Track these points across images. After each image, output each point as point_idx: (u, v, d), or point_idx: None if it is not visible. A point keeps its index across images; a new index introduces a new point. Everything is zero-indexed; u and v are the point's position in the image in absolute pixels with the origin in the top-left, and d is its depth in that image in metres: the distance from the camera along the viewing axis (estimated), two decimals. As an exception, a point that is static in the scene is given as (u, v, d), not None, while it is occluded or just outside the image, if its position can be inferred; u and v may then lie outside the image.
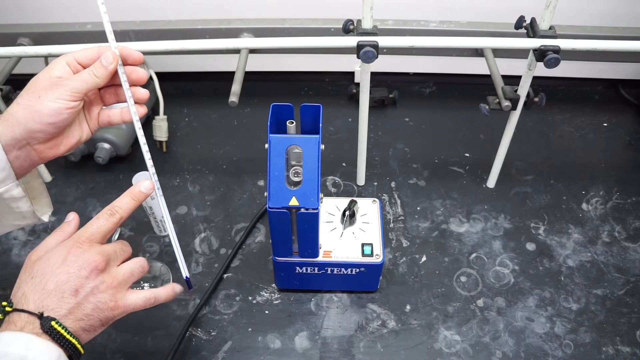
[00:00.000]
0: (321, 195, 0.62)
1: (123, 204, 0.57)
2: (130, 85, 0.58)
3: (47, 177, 0.94)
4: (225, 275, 0.80)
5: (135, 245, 0.83)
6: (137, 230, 0.85)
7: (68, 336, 0.49)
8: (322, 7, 0.95)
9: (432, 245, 0.83)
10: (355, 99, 1.07)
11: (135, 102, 0.59)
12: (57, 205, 0.89)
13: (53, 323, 0.48)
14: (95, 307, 0.52)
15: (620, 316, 0.75)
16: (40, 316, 0.48)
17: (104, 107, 0.61)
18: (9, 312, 0.49)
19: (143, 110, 0.60)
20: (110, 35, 0.57)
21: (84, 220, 0.86)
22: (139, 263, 0.57)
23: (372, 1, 0.68)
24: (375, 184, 0.93)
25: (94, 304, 0.52)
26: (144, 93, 0.59)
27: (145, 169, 0.61)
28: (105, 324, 0.53)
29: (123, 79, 0.57)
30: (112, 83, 0.59)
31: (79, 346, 0.50)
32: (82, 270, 0.51)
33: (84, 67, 0.56)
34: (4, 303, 0.50)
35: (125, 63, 0.58)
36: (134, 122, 0.59)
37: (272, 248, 0.69)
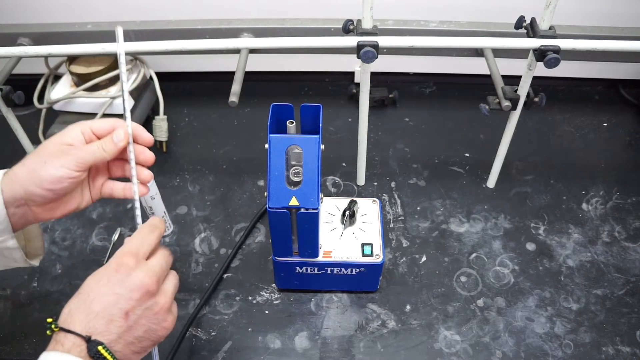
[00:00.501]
0: (321, 195, 0.62)
1: (153, 220, 0.56)
2: (136, 164, 0.58)
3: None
4: (225, 275, 0.80)
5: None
6: (137, 230, 0.85)
7: (110, 358, 0.47)
8: (322, 7, 0.95)
9: (432, 245, 0.83)
10: (355, 99, 1.07)
11: (139, 182, 0.58)
12: (57, 205, 0.89)
13: (100, 348, 0.46)
14: (148, 329, 0.50)
15: (620, 316, 0.75)
16: (87, 340, 0.46)
17: (109, 179, 0.61)
18: (54, 330, 0.48)
19: (144, 190, 0.59)
20: (127, 114, 0.57)
21: (84, 219, 0.87)
22: (176, 275, 0.56)
23: (372, 1, 0.68)
24: (375, 184, 0.93)
25: (147, 326, 0.50)
26: (147, 175, 0.58)
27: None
28: (157, 342, 0.52)
29: (131, 156, 0.57)
30: (122, 157, 0.58)
31: None
32: (132, 293, 0.49)
33: (98, 138, 0.56)
34: (50, 320, 0.48)
35: (135, 141, 0.57)
36: (134, 200, 0.58)
37: (272, 248, 0.69)
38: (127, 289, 0.49)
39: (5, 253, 0.56)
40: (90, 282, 0.50)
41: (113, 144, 0.55)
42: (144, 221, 0.57)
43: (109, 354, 0.47)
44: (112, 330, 0.48)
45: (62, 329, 0.47)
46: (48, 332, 0.48)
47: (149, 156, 0.58)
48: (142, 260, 0.51)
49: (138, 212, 0.58)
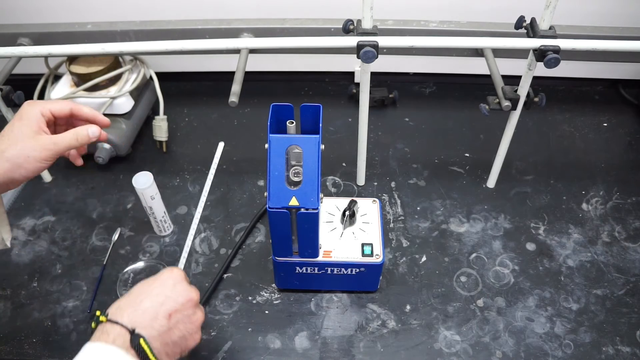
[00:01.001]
0: (321, 195, 0.62)
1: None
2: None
3: (48, 177, 0.94)
4: (225, 275, 0.80)
5: (135, 245, 0.83)
6: (138, 230, 0.85)
7: (151, 356, 0.51)
8: (322, 7, 0.95)
9: (432, 245, 0.83)
10: (355, 99, 1.07)
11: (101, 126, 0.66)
12: (58, 205, 0.89)
13: (141, 340, 0.50)
14: (182, 336, 0.55)
15: (620, 316, 0.75)
16: (132, 332, 0.51)
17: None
18: (102, 322, 0.52)
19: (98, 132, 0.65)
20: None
21: (84, 219, 0.87)
22: (200, 316, 0.60)
23: (372, 1, 0.68)
24: (375, 184, 0.93)
25: (182, 333, 0.55)
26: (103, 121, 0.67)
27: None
28: (182, 353, 0.56)
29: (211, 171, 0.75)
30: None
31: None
32: (180, 298, 0.55)
33: (55, 118, 0.63)
34: (98, 313, 0.52)
35: (94, 122, 0.66)
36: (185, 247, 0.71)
37: (272, 248, 0.69)
38: (176, 293, 0.55)
39: None
40: (142, 286, 0.56)
41: (87, 138, 0.63)
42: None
43: (148, 347, 0.51)
44: (155, 327, 0.52)
45: (110, 320, 0.51)
46: (93, 324, 0.52)
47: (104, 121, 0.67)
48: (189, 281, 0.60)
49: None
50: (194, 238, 0.85)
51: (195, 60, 1.09)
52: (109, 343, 0.50)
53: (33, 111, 0.61)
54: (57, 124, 0.66)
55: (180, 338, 0.55)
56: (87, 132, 0.63)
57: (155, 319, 0.53)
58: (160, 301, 0.54)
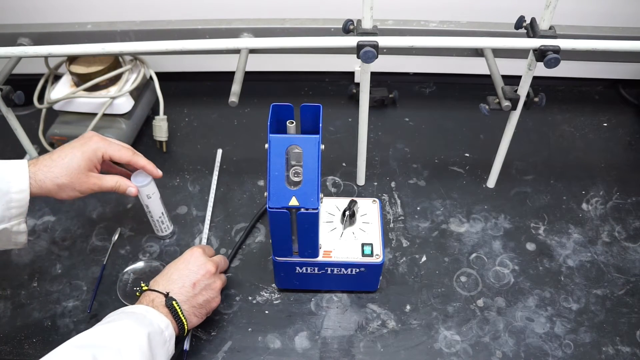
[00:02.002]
0: (321, 195, 0.62)
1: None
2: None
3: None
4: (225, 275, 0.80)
5: (135, 245, 0.83)
6: (137, 230, 0.85)
7: (181, 315, 0.65)
8: (322, 7, 0.95)
9: (432, 245, 0.83)
10: (355, 99, 1.07)
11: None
12: (58, 205, 0.89)
13: (174, 302, 0.65)
14: (205, 299, 0.68)
15: (620, 316, 0.75)
16: (166, 295, 0.65)
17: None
18: (145, 290, 0.67)
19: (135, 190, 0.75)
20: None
21: (84, 219, 0.87)
22: (225, 278, 0.75)
23: (372, 1, 0.68)
24: (375, 184, 0.93)
25: (205, 297, 0.68)
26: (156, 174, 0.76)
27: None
28: (207, 314, 0.70)
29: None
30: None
31: (185, 325, 0.65)
32: (200, 269, 0.69)
33: (111, 161, 0.73)
34: (143, 284, 0.68)
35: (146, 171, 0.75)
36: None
37: (272, 248, 0.69)
38: (195, 266, 0.69)
39: (12, 237, 0.67)
40: (170, 267, 0.70)
41: (123, 192, 0.72)
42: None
43: (179, 307, 0.65)
44: (183, 292, 0.67)
45: (150, 289, 0.67)
46: (138, 293, 0.68)
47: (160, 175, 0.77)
48: (207, 255, 0.73)
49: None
50: (195, 238, 0.85)
51: (195, 60, 1.09)
52: (149, 304, 0.64)
53: (97, 152, 0.69)
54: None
55: (204, 301, 0.68)
56: (125, 189, 0.72)
57: (183, 287, 0.67)
58: (185, 274, 0.68)
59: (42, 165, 0.67)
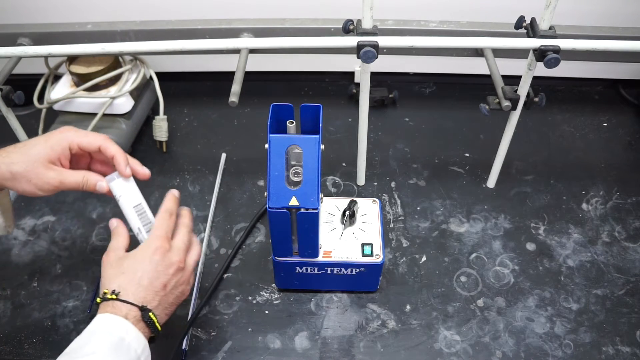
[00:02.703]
0: (321, 195, 0.62)
1: (171, 204, 0.66)
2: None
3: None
4: (225, 275, 0.80)
5: (135, 245, 0.83)
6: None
7: (157, 324, 0.59)
8: (322, 7, 0.95)
9: (432, 245, 0.83)
10: (355, 99, 1.07)
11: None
12: (58, 205, 0.89)
13: (150, 314, 0.59)
14: (176, 297, 0.63)
15: (620, 316, 0.75)
16: (141, 308, 0.58)
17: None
18: (112, 299, 0.58)
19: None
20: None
21: (84, 219, 0.87)
22: (198, 249, 0.67)
23: (372, 1, 0.68)
24: (375, 184, 0.93)
25: (176, 294, 0.63)
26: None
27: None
28: (180, 303, 0.64)
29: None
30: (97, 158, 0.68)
31: (160, 329, 0.60)
32: (168, 269, 0.61)
33: (82, 150, 0.64)
34: (106, 291, 0.59)
35: (134, 176, 0.67)
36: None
37: (272, 248, 0.69)
38: (165, 267, 0.61)
39: None
40: (133, 263, 0.61)
41: (93, 189, 0.64)
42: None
43: (155, 317, 0.59)
44: (155, 298, 0.60)
45: (120, 299, 0.58)
46: (98, 299, 0.59)
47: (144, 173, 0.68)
48: (171, 242, 0.63)
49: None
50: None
51: (195, 60, 1.09)
52: (122, 317, 0.57)
53: (62, 141, 0.62)
54: (83, 155, 0.66)
55: (175, 298, 0.63)
56: (94, 184, 0.64)
57: (155, 293, 0.60)
58: (154, 276, 0.60)
59: (3, 150, 0.62)
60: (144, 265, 0.60)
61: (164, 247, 0.62)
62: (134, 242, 0.65)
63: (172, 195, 0.67)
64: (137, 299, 0.58)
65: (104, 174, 0.65)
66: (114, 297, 0.58)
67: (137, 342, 0.57)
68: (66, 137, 0.62)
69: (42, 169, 0.61)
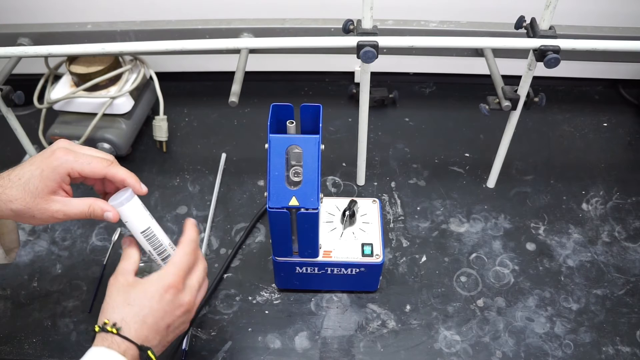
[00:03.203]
0: (321, 195, 0.62)
1: (195, 235, 0.63)
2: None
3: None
4: (225, 275, 0.80)
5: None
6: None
7: None
8: (322, 7, 0.95)
9: (432, 245, 0.83)
10: (355, 99, 1.07)
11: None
12: (57, 205, 0.89)
13: (149, 352, 0.55)
14: (176, 334, 0.60)
15: (620, 316, 0.75)
16: (140, 347, 0.54)
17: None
18: (111, 332, 0.54)
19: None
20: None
21: (84, 220, 0.86)
22: (206, 286, 0.64)
23: (372, 1, 0.68)
24: (375, 184, 0.93)
25: (176, 333, 0.60)
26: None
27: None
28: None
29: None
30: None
31: None
32: (176, 310, 0.58)
33: (83, 177, 0.59)
34: (106, 321, 0.55)
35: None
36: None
37: (272, 248, 0.69)
38: (173, 307, 0.58)
39: None
40: (142, 297, 0.56)
41: (100, 217, 0.59)
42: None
43: (154, 355, 0.55)
44: (157, 338, 0.57)
45: (120, 335, 0.54)
46: (97, 328, 0.55)
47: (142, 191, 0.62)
48: (186, 281, 0.60)
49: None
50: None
51: (195, 60, 1.09)
52: (121, 354, 0.53)
53: (59, 169, 0.57)
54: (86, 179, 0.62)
55: (174, 336, 0.60)
56: (101, 214, 0.59)
57: (157, 332, 0.57)
58: (161, 316, 0.57)
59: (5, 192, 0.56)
60: (153, 303, 0.56)
61: (177, 287, 0.58)
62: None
63: (193, 224, 0.63)
64: (138, 338, 0.55)
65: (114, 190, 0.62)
66: (114, 331, 0.54)
67: None
68: (64, 165, 0.57)
69: (43, 204, 0.56)
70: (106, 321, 0.55)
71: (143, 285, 0.57)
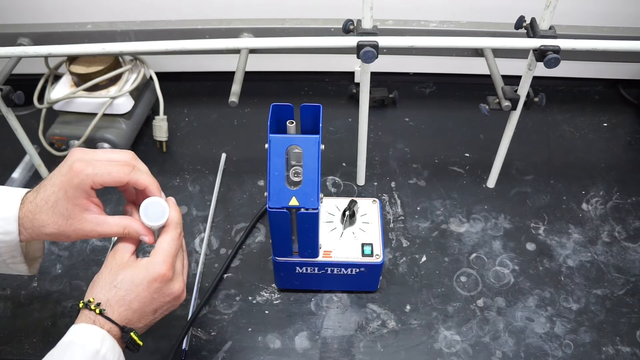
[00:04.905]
0: (321, 195, 0.62)
1: (179, 216, 0.62)
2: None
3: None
4: (225, 275, 0.80)
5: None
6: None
7: (138, 340, 0.56)
8: (322, 7, 0.95)
9: (432, 245, 0.83)
10: (355, 99, 1.07)
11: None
12: (57, 205, 0.89)
13: (132, 334, 0.55)
14: (164, 316, 0.60)
15: (620, 316, 0.75)
16: (122, 328, 0.55)
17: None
18: (95, 311, 0.54)
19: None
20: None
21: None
22: (187, 264, 0.64)
23: (372, 1, 0.68)
24: (375, 184, 0.93)
25: (164, 314, 0.60)
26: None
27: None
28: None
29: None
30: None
31: (141, 344, 0.57)
32: (165, 297, 0.58)
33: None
34: (91, 300, 0.55)
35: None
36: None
37: (272, 248, 0.69)
38: (162, 295, 0.57)
39: (11, 266, 0.60)
40: (128, 282, 0.56)
41: (136, 236, 0.59)
42: None
43: (137, 336, 0.56)
44: (142, 321, 0.57)
45: (103, 315, 0.54)
46: (81, 303, 0.55)
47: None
48: (174, 268, 0.59)
49: None
50: (195, 238, 0.85)
51: (195, 60, 1.09)
52: (99, 327, 0.54)
53: (82, 185, 0.55)
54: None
55: (162, 317, 0.60)
56: (137, 234, 0.59)
57: (142, 316, 0.57)
58: (148, 302, 0.57)
59: (27, 210, 0.55)
60: (140, 290, 0.56)
61: (167, 275, 0.57)
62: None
63: (174, 204, 0.62)
64: (121, 320, 0.55)
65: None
66: (97, 311, 0.54)
67: (112, 355, 0.53)
68: (85, 180, 0.55)
69: (77, 225, 0.56)
70: (91, 299, 0.55)
71: (133, 270, 0.56)
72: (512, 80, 0.79)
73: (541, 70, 0.71)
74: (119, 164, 0.57)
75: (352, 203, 0.74)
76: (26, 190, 0.58)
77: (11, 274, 0.62)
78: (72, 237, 0.57)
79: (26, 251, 0.61)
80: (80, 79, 0.90)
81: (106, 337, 0.53)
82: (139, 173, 0.58)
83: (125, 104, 0.92)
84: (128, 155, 0.59)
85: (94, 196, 0.57)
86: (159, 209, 0.59)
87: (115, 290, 0.55)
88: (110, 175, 0.56)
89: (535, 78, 0.75)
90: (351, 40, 0.69)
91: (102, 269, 0.58)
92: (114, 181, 0.56)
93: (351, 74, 1.11)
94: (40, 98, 0.94)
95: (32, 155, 0.92)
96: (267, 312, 0.75)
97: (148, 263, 0.57)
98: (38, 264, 0.64)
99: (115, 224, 0.58)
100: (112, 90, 0.92)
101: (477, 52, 0.89)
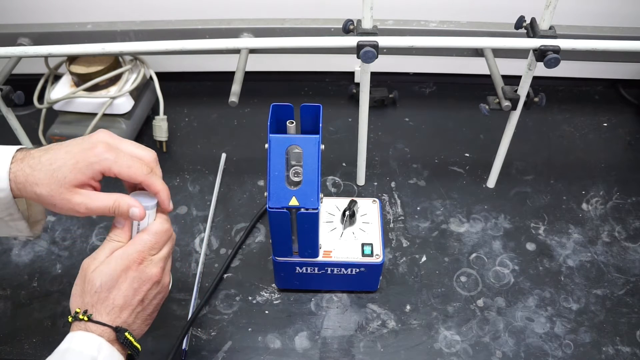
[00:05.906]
0: (321, 195, 0.62)
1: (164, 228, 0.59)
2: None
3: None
4: (225, 275, 0.80)
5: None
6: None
7: (135, 342, 0.55)
8: (322, 7, 0.95)
9: (432, 245, 0.83)
10: (355, 99, 1.07)
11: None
12: (57, 205, 0.89)
13: (126, 334, 0.54)
14: (155, 306, 0.59)
15: (620, 316, 0.75)
16: (115, 329, 0.54)
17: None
18: (84, 320, 0.53)
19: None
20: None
21: (84, 219, 0.86)
22: (172, 245, 0.61)
23: (372, 1, 0.68)
24: (375, 184, 0.93)
25: (155, 304, 0.59)
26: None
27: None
28: (159, 309, 0.60)
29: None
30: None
31: (139, 347, 0.56)
32: (145, 284, 0.56)
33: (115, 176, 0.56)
34: (78, 310, 0.54)
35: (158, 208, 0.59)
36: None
37: (272, 248, 0.69)
38: (141, 282, 0.56)
39: (10, 224, 0.58)
40: (106, 280, 0.54)
41: (126, 216, 0.56)
42: None
43: (132, 336, 0.55)
44: (132, 315, 0.56)
45: (93, 320, 0.53)
46: (70, 318, 0.54)
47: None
48: (149, 256, 0.57)
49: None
50: (195, 238, 0.85)
51: (195, 60, 1.09)
52: (95, 334, 0.53)
53: (95, 165, 0.54)
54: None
55: (154, 308, 0.59)
56: (127, 209, 0.55)
57: (132, 311, 0.56)
58: (130, 294, 0.55)
59: (26, 164, 0.54)
60: (119, 284, 0.55)
61: (138, 260, 0.56)
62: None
63: (167, 219, 0.60)
64: (112, 320, 0.54)
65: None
66: (86, 318, 0.53)
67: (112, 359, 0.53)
68: (102, 163, 0.54)
69: (67, 194, 0.53)
70: (77, 310, 0.54)
71: (108, 265, 0.55)
72: (512, 80, 0.79)
73: (541, 70, 0.71)
74: (139, 164, 0.56)
75: (352, 203, 0.74)
76: (17, 147, 0.56)
77: (14, 235, 0.60)
78: (57, 205, 0.54)
79: (27, 215, 0.60)
80: (80, 79, 0.90)
81: (103, 344, 0.53)
82: (154, 177, 0.57)
83: (125, 104, 0.92)
84: (152, 156, 0.58)
85: (98, 180, 0.56)
86: (152, 201, 0.58)
87: (98, 295, 0.54)
88: (129, 169, 0.55)
89: (535, 78, 0.75)
90: (351, 40, 0.69)
91: (77, 276, 0.56)
92: (129, 176, 0.55)
93: (351, 74, 1.11)
94: (40, 98, 0.94)
95: (32, 155, 0.92)
96: (267, 312, 0.75)
97: (122, 252, 0.56)
98: (41, 226, 0.63)
99: (105, 196, 0.55)
100: (112, 90, 0.92)
101: (477, 52, 0.89)
